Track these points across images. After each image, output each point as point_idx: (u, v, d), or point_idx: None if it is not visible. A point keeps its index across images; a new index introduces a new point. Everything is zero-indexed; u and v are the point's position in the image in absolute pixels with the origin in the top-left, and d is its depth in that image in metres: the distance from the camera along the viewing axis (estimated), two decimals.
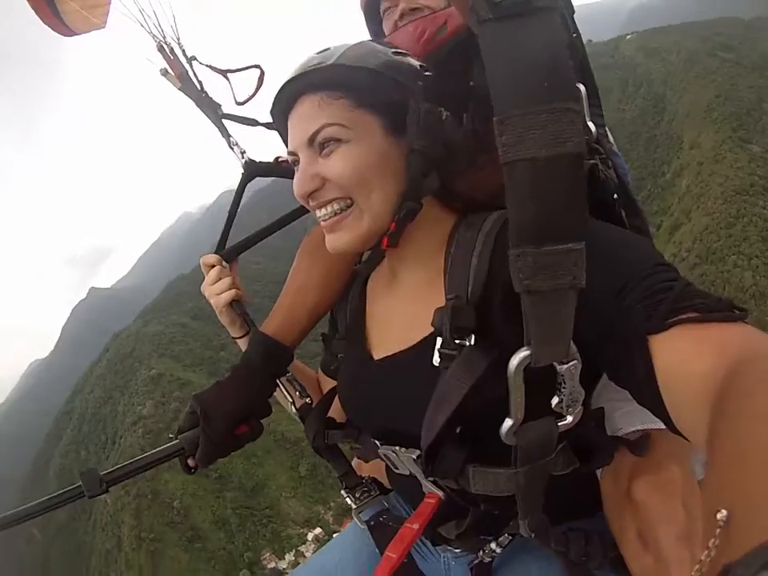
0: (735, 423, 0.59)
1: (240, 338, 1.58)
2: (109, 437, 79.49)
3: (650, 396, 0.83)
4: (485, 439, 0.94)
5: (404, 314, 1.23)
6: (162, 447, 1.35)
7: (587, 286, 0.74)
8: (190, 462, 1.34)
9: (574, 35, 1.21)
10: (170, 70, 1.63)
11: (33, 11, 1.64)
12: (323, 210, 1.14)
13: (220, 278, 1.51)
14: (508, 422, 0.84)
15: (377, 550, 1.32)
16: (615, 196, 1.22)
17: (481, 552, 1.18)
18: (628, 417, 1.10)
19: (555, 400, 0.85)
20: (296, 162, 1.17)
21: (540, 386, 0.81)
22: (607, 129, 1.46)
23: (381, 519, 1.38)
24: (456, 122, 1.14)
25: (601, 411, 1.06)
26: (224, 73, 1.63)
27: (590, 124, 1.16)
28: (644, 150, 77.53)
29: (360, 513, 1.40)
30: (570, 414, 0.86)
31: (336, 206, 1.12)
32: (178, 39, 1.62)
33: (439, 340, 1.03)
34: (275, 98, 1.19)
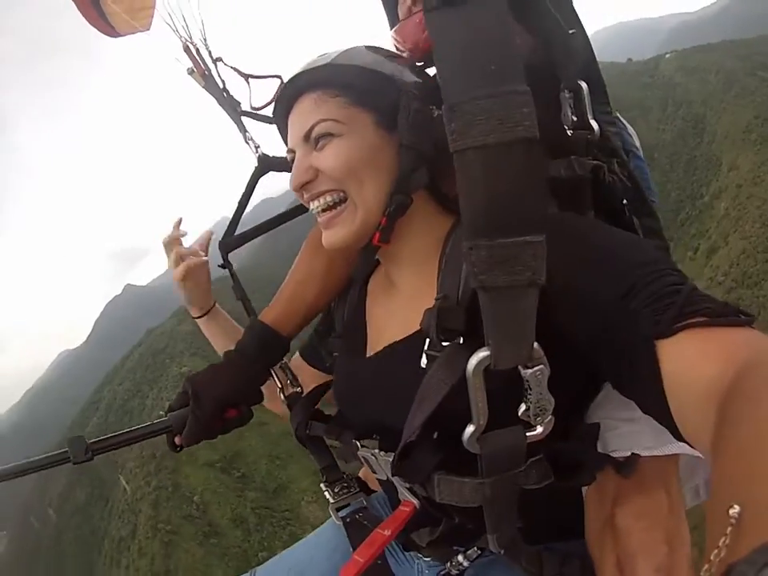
0: (742, 426, 0.59)
1: (198, 317, 1.68)
2: (131, 423, 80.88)
3: (655, 401, 0.82)
4: (457, 446, 0.89)
5: (399, 315, 1.23)
6: (151, 423, 1.39)
7: (587, 288, 0.75)
8: (177, 440, 1.37)
9: (572, 31, 1.16)
10: (195, 69, 1.70)
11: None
12: (316, 203, 1.17)
13: (176, 259, 1.57)
14: (470, 429, 0.82)
15: (351, 549, 1.30)
16: (624, 201, 1.20)
17: (449, 564, 1.17)
18: (622, 440, 1.06)
19: (522, 408, 0.83)
20: (292, 161, 1.21)
21: (507, 393, 0.79)
22: (632, 133, 1.45)
23: (357, 517, 1.37)
24: None
25: (596, 427, 1.04)
26: (246, 77, 1.69)
27: (593, 122, 1.15)
28: (683, 171, 76.01)
29: (338, 509, 1.42)
30: (539, 424, 0.84)
31: (329, 198, 1.15)
32: (205, 40, 1.68)
33: (427, 342, 1.03)
34: (277, 98, 1.25)
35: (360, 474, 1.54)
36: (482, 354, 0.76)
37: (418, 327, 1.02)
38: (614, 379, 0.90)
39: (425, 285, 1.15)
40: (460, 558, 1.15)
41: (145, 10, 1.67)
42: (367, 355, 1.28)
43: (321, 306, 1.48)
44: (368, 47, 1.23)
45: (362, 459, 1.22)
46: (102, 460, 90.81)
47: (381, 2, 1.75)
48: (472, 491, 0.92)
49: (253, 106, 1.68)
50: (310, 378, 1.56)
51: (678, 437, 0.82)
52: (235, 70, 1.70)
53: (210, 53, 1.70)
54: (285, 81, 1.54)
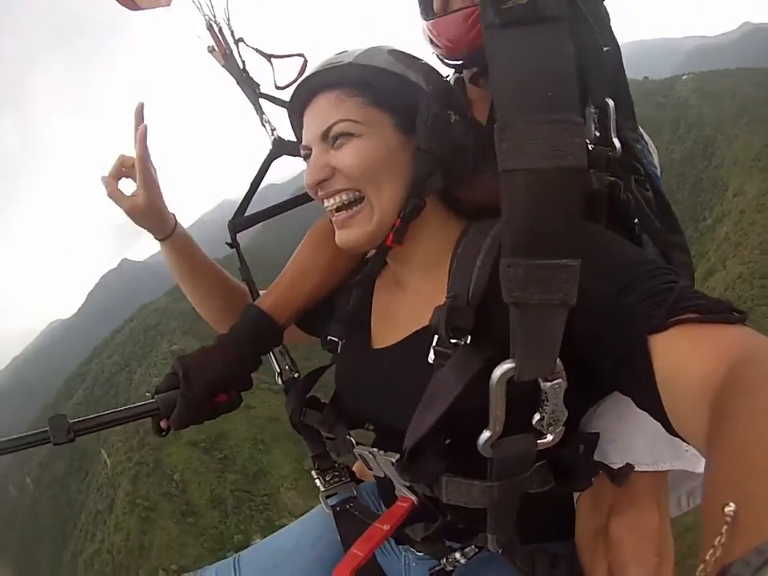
0: (737, 422, 0.59)
1: (160, 239, 1.52)
2: (120, 403, 78.46)
3: (648, 395, 0.84)
4: (466, 448, 0.91)
5: (407, 314, 1.24)
6: (137, 404, 1.35)
7: (587, 288, 0.74)
8: (163, 423, 1.34)
9: (606, 48, 1.18)
10: (216, 48, 1.69)
11: None
12: (331, 201, 1.18)
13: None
14: (486, 434, 0.84)
15: (338, 538, 1.34)
16: (636, 220, 1.22)
17: (444, 559, 1.18)
18: (619, 453, 1.09)
19: (537, 417, 0.84)
20: (308, 156, 1.21)
21: (522, 401, 0.80)
22: (653, 151, 1.47)
23: (347, 507, 1.38)
24: (464, 126, 1.18)
25: (596, 436, 1.06)
26: (268, 57, 1.69)
27: (616, 140, 1.16)
28: (689, 193, 76.23)
29: (327, 497, 1.42)
30: (551, 434, 0.86)
31: (344, 197, 1.16)
32: (228, 20, 1.67)
33: (435, 338, 1.04)
34: (293, 95, 1.26)
35: (354, 469, 1.55)
36: (507, 365, 0.78)
37: (425, 321, 1.06)
38: (611, 376, 0.91)
39: (433, 286, 1.17)
40: (457, 555, 1.16)
41: None
42: (374, 347, 1.30)
43: (318, 298, 1.46)
44: (388, 49, 1.22)
45: (358, 456, 1.23)
46: (88, 435, 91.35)
47: None
48: (480, 494, 0.95)
49: (277, 85, 1.67)
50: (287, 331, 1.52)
51: (671, 431, 0.83)
52: (257, 50, 1.70)
53: (232, 32, 1.69)
54: (306, 65, 1.58)
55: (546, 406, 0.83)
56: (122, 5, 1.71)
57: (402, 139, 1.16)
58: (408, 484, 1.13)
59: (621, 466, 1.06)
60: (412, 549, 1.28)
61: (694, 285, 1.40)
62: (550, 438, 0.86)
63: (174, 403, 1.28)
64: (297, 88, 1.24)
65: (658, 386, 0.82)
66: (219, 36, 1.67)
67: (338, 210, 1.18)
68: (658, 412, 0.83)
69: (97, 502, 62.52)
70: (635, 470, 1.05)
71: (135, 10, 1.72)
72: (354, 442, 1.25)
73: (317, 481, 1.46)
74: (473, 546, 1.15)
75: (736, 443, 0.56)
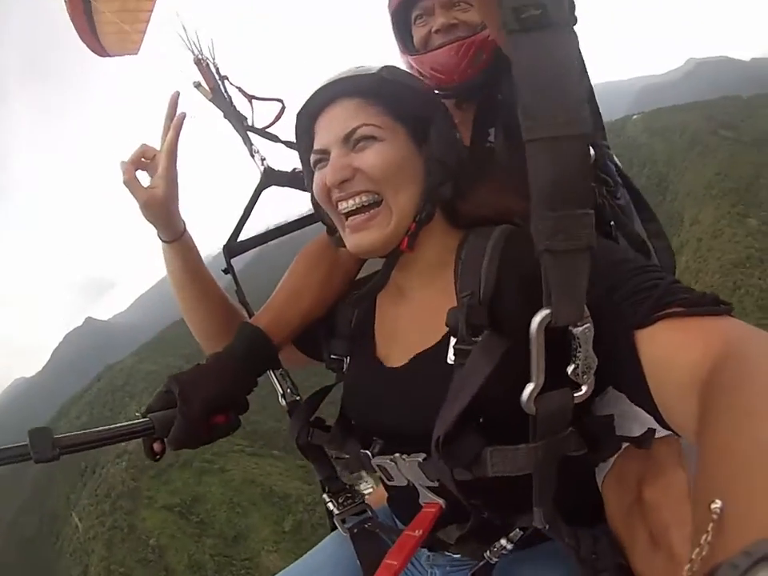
0: (720, 419, 0.61)
1: (166, 242, 1.50)
2: (89, 465, 75.95)
3: (637, 388, 0.88)
4: (500, 425, 0.99)
5: (415, 323, 1.29)
6: (129, 423, 1.28)
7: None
8: (156, 446, 1.31)
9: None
10: (203, 83, 1.78)
11: (72, 27, 1.71)
12: (350, 202, 1.22)
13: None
14: (529, 387, 0.86)
15: (356, 563, 1.34)
16: (612, 223, 1.34)
17: (488, 552, 1.19)
18: (636, 422, 1.15)
19: (571, 367, 0.88)
20: (319, 162, 1.26)
21: (556, 355, 0.85)
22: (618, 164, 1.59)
23: (366, 527, 1.39)
24: (462, 144, 1.30)
25: (611, 417, 1.09)
26: (249, 98, 1.78)
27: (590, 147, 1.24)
28: None
29: (342, 520, 1.42)
30: (585, 383, 0.89)
31: (364, 198, 1.21)
32: (214, 58, 1.76)
33: (453, 339, 1.10)
34: (309, 99, 1.29)
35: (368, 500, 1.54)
36: (544, 312, 0.81)
37: (438, 329, 1.14)
38: (604, 371, 0.93)
39: (438, 294, 1.24)
40: (503, 541, 1.17)
41: (136, 34, 1.76)
42: (383, 362, 1.32)
43: (313, 317, 1.48)
44: (399, 68, 1.33)
45: (377, 467, 1.24)
46: (53, 493, 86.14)
47: (391, 27, 1.86)
48: (525, 457, 0.96)
49: (254, 126, 1.76)
50: (288, 354, 1.55)
51: (664, 425, 0.87)
52: (240, 90, 1.79)
53: (217, 69, 1.78)
54: (283, 110, 1.73)
55: (579, 352, 0.86)
56: (91, 50, 1.80)
57: (414, 150, 1.25)
58: (436, 484, 1.16)
59: (642, 432, 1.11)
60: (447, 553, 1.29)
61: (675, 268, 1.56)
62: (584, 389, 0.89)
63: (171, 422, 1.24)
64: (314, 94, 1.28)
65: (646, 380, 0.86)
66: (207, 71, 1.75)
67: (356, 212, 1.22)
68: (649, 405, 0.87)
69: (70, 568, 58.56)
70: (656, 436, 1.10)
71: (104, 56, 1.83)
72: (370, 454, 1.26)
73: (329, 504, 1.45)
74: (517, 530, 1.16)
75: (720, 440, 0.57)
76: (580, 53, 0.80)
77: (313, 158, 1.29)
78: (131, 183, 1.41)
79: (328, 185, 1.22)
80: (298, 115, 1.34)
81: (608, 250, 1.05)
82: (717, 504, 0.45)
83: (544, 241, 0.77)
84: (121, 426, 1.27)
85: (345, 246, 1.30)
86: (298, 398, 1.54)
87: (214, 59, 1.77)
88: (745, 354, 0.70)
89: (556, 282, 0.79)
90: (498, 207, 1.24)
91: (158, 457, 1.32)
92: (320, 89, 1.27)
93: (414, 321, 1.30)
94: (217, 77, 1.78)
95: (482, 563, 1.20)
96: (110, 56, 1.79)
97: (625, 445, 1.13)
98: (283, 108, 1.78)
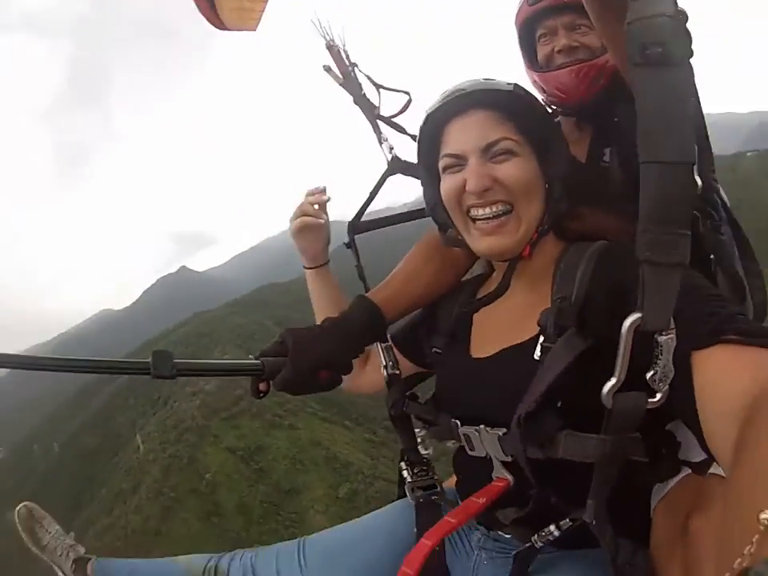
0: (765, 435, 0.65)
1: (308, 268, 1.81)
2: (162, 396, 77.75)
3: (687, 408, 0.93)
4: (578, 413, 1.07)
5: (509, 321, 1.38)
6: (241, 361, 1.42)
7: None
8: (262, 386, 1.41)
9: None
10: (333, 68, 1.82)
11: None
12: (486, 210, 1.28)
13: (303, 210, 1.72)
14: (611, 382, 0.94)
15: (413, 531, 1.44)
16: (711, 255, 1.38)
17: (536, 536, 1.21)
18: (696, 451, 1.12)
19: (650, 373, 0.92)
20: (452, 166, 1.33)
21: (638, 360, 0.92)
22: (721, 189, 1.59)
23: (433, 498, 1.50)
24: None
25: (675, 438, 1.16)
26: (378, 87, 1.83)
27: (697, 178, 1.14)
28: None
29: (412, 489, 1.53)
30: (660, 391, 0.93)
31: (501, 207, 1.28)
32: (344, 44, 1.82)
33: (541, 338, 1.18)
34: (441, 104, 1.32)
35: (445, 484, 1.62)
36: (636, 315, 0.88)
37: (532, 333, 1.22)
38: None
39: (536, 297, 1.32)
40: (551, 527, 1.20)
41: (255, 11, 1.62)
42: (474, 356, 1.41)
43: (421, 304, 1.61)
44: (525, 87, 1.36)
45: (462, 436, 1.32)
46: (120, 416, 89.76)
47: (518, 42, 1.90)
48: (594, 447, 1.04)
49: (382, 114, 1.82)
50: (367, 379, 1.73)
51: (703, 446, 0.91)
52: (368, 78, 1.84)
53: (347, 56, 1.82)
54: (410, 103, 1.83)
55: (660, 360, 0.91)
56: (210, 23, 1.69)
57: (537, 165, 1.31)
58: (509, 459, 1.22)
59: (702, 459, 1.13)
60: (500, 533, 1.34)
61: (767, 308, 1.59)
62: (658, 396, 0.93)
63: (279, 368, 1.35)
64: (447, 99, 1.32)
65: (696, 400, 0.90)
66: (340, 57, 1.80)
67: (491, 219, 1.28)
68: (695, 426, 0.91)
69: (122, 482, 62.09)
70: (711, 471, 1.12)
71: (222, 29, 1.72)
72: (458, 423, 1.34)
73: (404, 472, 1.56)
74: (567, 520, 1.19)
75: (763, 455, 0.60)
76: (695, 87, 0.90)
77: (445, 161, 1.35)
78: (299, 231, 1.74)
79: (469, 191, 1.28)
80: (427, 116, 1.37)
81: (689, 274, 1.05)
82: (766, 513, 0.45)
83: (645, 252, 0.83)
84: (234, 362, 1.43)
85: (459, 246, 1.43)
86: (397, 371, 1.61)
87: (344, 45, 1.82)
88: None
89: (650, 290, 0.85)
90: (600, 225, 1.36)
91: (261, 395, 1.43)
92: (453, 95, 1.30)
93: (509, 319, 1.37)
94: (347, 63, 1.83)
95: (527, 545, 1.24)
96: (228, 30, 1.71)
97: (683, 473, 1.18)
98: (410, 100, 1.82)
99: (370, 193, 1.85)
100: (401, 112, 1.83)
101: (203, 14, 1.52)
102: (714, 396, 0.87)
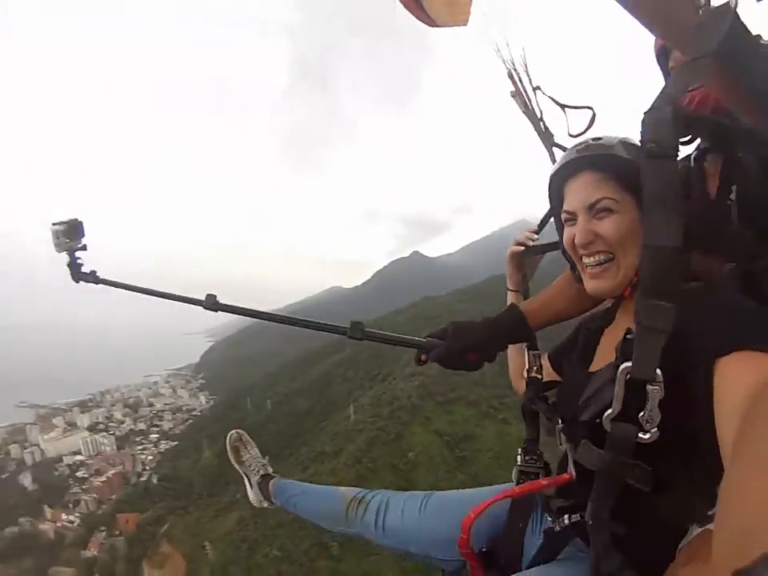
0: (746, 448, 0.73)
1: (510, 291, 2.17)
2: (381, 373, 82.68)
3: (704, 415, 1.04)
4: (599, 428, 1.22)
5: (611, 345, 1.42)
6: (414, 338, 1.85)
7: (683, 328, 1.10)
8: (423, 357, 1.83)
9: None
10: (517, 95, 1.94)
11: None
12: (591, 259, 1.48)
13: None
14: (609, 410, 1.17)
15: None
16: None
17: (557, 521, 1.53)
18: None
19: (641, 414, 1.13)
20: (568, 220, 1.52)
21: (635, 401, 1.13)
22: None
23: (531, 477, 1.77)
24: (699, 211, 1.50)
25: (700, 489, 1.21)
26: (562, 106, 1.88)
27: None
28: None
29: (519, 471, 1.80)
30: (648, 432, 1.13)
31: (602, 257, 1.46)
32: (527, 70, 1.90)
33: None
34: (560, 166, 1.53)
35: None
36: (626, 364, 1.12)
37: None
38: (683, 395, 1.12)
39: (630, 326, 1.34)
40: (565, 517, 1.51)
41: (463, 5, 1.66)
42: (589, 370, 1.59)
43: (562, 318, 1.86)
44: (630, 141, 1.47)
45: (558, 433, 1.55)
46: (340, 386, 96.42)
47: (655, 58, 1.93)
48: (597, 458, 1.23)
49: (570, 133, 1.86)
50: (548, 376, 1.93)
51: (715, 448, 0.99)
52: (552, 99, 1.90)
53: (530, 80, 1.91)
54: (594, 118, 1.83)
55: (647, 405, 1.11)
56: (419, 20, 1.73)
57: (639, 216, 1.42)
58: (576, 459, 1.38)
59: None
60: (549, 518, 1.62)
61: None
62: (647, 436, 1.13)
63: (436, 346, 1.77)
64: (565, 162, 1.52)
65: (714, 404, 1.02)
66: (520, 85, 1.91)
67: (594, 266, 1.48)
68: (708, 426, 1.02)
69: (324, 444, 66.54)
70: None
71: (433, 26, 1.74)
72: (561, 422, 1.55)
73: (518, 457, 1.81)
74: (578, 515, 1.47)
75: (755, 449, 0.67)
76: (677, 174, 1.10)
77: (564, 215, 1.54)
78: (510, 257, 2.13)
79: (576, 243, 1.48)
80: (551, 176, 1.59)
81: (723, 292, 1.31)
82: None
83: (637, 316, 1.09)
84: (408, 338, 1.86)
85: (580, 283, 1.60)
86: (540, 376, 1.89)
87: (526, 69, 1.91)
88: None
89: (638, 347, 1.11)
90: (700, 267, 1.43)
91: (421, 363, 1.85)
92: (570, 159, 1.50)
93: (612, 343, 1.41)
94: (530, 88, 1.92)
95: (549, 527, 1.59)
96: (438, 26, 1.70)
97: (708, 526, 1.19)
98: (594, 116, 1.84)
99: (544, 216, 2.01)
100: (587, 129, 1.88)
101: (410, 12, 1.61)
102: (723, 399, 1.00)
